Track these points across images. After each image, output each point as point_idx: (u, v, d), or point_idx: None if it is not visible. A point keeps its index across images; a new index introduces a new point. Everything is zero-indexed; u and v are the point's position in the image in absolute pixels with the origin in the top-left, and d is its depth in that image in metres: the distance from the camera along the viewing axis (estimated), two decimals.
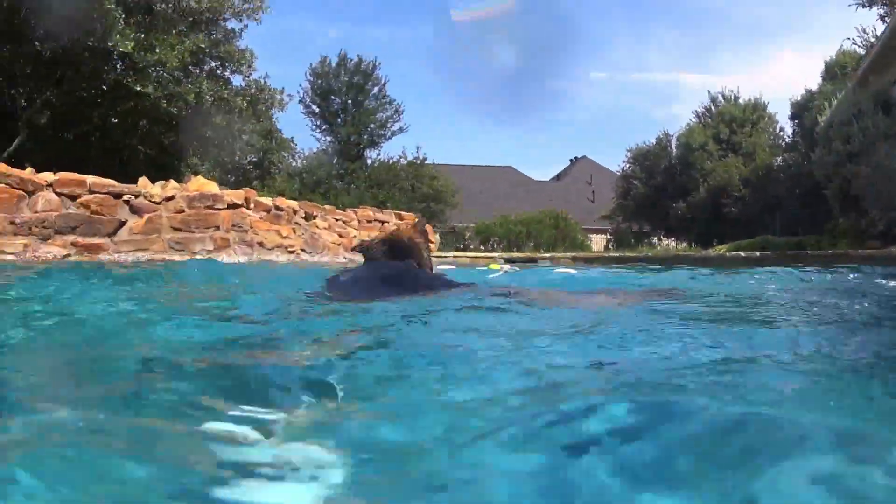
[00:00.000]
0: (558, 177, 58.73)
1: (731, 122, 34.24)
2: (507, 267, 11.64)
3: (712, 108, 35.91)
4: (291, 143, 23.03)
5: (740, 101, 35.37)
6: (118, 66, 16.16)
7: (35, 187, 9.34)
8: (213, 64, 18.76)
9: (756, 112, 34.56)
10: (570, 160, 60.29)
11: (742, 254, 17.57)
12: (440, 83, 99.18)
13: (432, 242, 15.94)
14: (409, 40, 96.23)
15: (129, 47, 14.76)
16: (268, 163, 21.79)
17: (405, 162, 36.79)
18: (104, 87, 16.65)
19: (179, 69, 16.65)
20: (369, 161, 37.26)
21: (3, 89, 19.02)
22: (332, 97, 36.42)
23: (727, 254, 19.18)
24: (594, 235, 41.22)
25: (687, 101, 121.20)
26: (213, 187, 10.79)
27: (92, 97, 17.24)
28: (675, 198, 34.15)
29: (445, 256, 16.26)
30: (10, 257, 8.81)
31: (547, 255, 20.79)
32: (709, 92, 37.04)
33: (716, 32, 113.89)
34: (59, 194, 9.43)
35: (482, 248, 33.00)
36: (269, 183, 24.36)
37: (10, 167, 9.65)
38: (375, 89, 37.02)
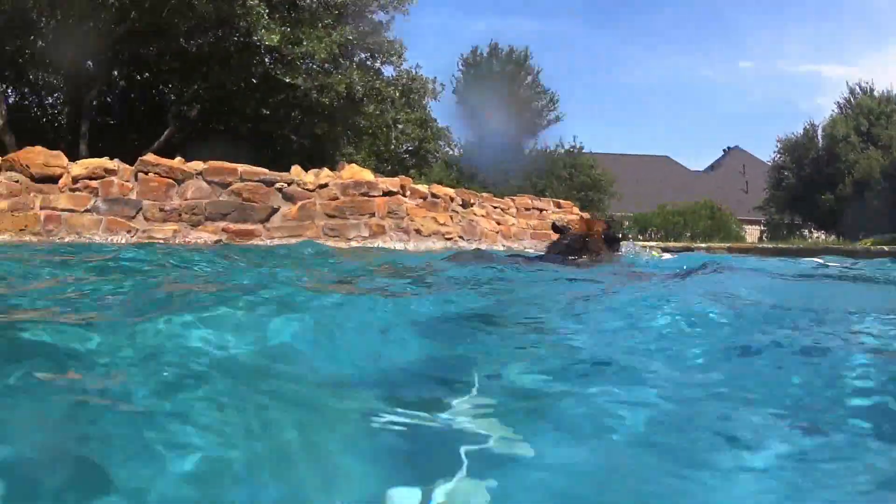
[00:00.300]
0: (712, 167, 57.17)
1: (869, 113, 33.26)
2: (666, 255, 11.34)
3: (851, 99, 34.81)
4: (447, 132, 22.94)
5: (875, 93, 34.08)
6: (266, 59, 16.45)
7: (184, 176, 9.57)
8: (362, 55, 18.83)
9: (889, 105, 33.06)
10: (724, 150, 58.61)
11: (886, 248, 16.91)
12: (591, 73, 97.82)
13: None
14: (559, 33, 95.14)
15: (276, 41, 14.94)
16: (423, 151, 21.75)
17: (562, 151, 36.29)
18: (253, 80, 16.96)
19: (328, 61, 16.75)
20: (526, 150, 36.76)
21: (152, 85, 19.93)
22: (486, 86, 36.13)
23: (872, 247, 18.59)
24: (748, 226, 40.21)
25: (829, 93, 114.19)
26: (367, 175, 10.80)
27: (241, 90, 17.60)
28: (823, 189, 33.15)
29: None
30: (160, 241, 8.99)
31: (703, 245, 20.35)
32: (847, 83, 35.30)
33: (854, 22, 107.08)
34: (209, 182, 9.62)
35: (640, 237, 32.12)
36: (426, 172, 24.36)
37: (158, 157, 9.91)
38: (529, 79, 36.58)
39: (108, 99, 20.38)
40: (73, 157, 10.19)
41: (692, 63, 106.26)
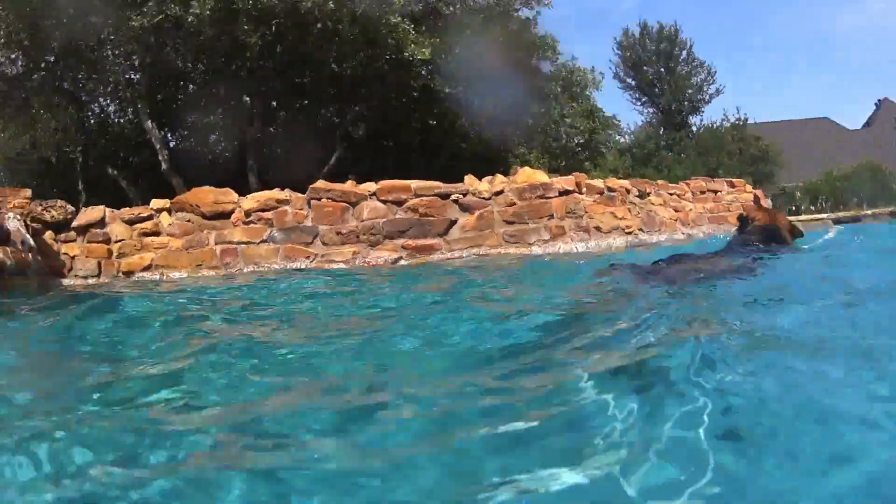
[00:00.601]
0: (868, 123, 53.18)
1: None
2: (833, 230, 10.74)
3: None
4: (615, 120, 22.32)
5: None
6: (423, 71, 16.18)
7: (358, 198, 9.44)
8: (517, 55, 18.16)
9: None
10: (875, 103, 54.28)
11: None
12: (739, 39, 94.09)
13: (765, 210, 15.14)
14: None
15: (427, 54, 14.72)
16: (595, 142, 21.18)
17: (728, 125, 35.08)
18: (414, 94, 16.77)
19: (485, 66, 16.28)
20: (694, 128, 36.00)
21: (313, 111, 20.02)
22: (645, 68, 35.46)
23: None
24: None
25: None
26: (541, 176, 10.30)
27: (404, 104, 17.45)
28: None
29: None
30: (339, 265, 9.04)
31: (869, 211, 19.15)
32: None
33: None
34: (383, 201, 9.44)
35: (812, 208, 30.60)
36: (601, 162, 23.86)
37: (328, 182, 9.86)
38: (683, 53, 35.62)
39: (272, 130, 20.69)
40: (244, 191, 10.29)
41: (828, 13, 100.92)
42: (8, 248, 7.19)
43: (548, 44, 18.29)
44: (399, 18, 14.15)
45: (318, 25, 14.24)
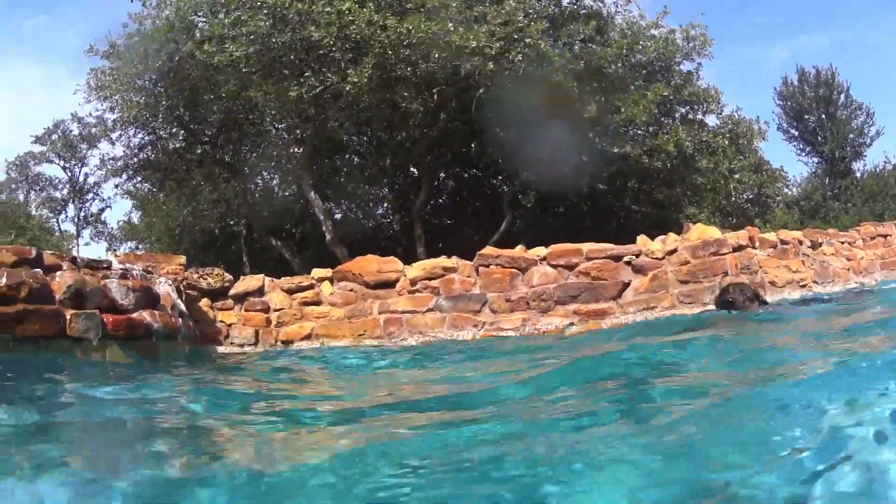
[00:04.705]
0: None
1: None
2: None
3: None
4: (782, 173, 21.51)
5: None
6: (590, 133, 15.92)
7: (528, 263, 9.23)
8: (682, 110, 18.06)
9: None
10: None
11: None
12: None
13: None
14: (854, 40, 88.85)
15: (593, 111, 14.46)
16: (764, 197, 20.47)
17: (891, 167, 33.74)
18: (583, 157, 16.45)
19: (651, 122, 16.18)
20: (858, 174, 34.93)
21: (480, 179, 20.04)
22: (806, 116, 34.60)
23: None
24: None
25: None
26: (714, 232, 9.85)
27: (571, 168, 17.27)
28: None
29: None
30: (508, 332, 8.84)
31: None
32: None
33: None
34: (554, 266, 9.18)
35: None
36: (770, 217, 23.12)
37: (497, 248, 9.71)
38: (842, 97, 34.45)
39: (441, 200, 20.90)
40: (411, 261, 10.23)
41: None
42: (156, 312, 7.19)
43: (711, 96, 17.84)
44: (562, 77, 13.92)
45: (480, 91, 14.20)
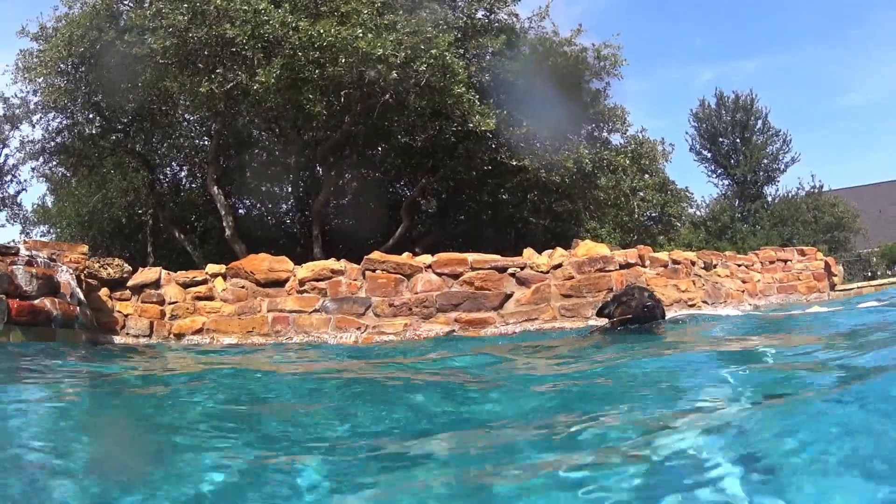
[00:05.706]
0: None
1: None
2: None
3: None
4: (687, 193, 21.96)
5: None
6: (492, 144, 16.11)
7: (413, 270, 9.33)
8: (587, 127, 18.26)
9: None
10: None
11: None
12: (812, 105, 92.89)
13: (836, 275, 14.95)
14: (781, 68, 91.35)
15: (492, 125, 14.51)
16: (668, 216, 20.89)
17: (803, 193, 34.85)
18: (486, 168, 16.73)
19: (555, 138, 16.24)
20: (769, 198, 35.97)
21: (381, 184, 20.12)
22: (720, 139, 35.48)
23: None
24: None
25: None
26: (602, 249, 10.06)
27: (473, 177, 17.41)
28: None
29: (850, 289, 15.35)
30: (390, 337, 8.94)
31: None
32: None
33: None
34: (439, 274, 9.31)
35: (889, 273, 30.14)
36: (674, 236, 23.60)
37: (384, 254, 9.85)
38: (759, 123, 35.39)
39: (342, 202, 20.88)
40: (309, 260, 10.35)
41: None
42: (56, 300, 7.30)
43: (617, 115, 18.17)
44: (463, 89, 14.04)
45: (386, 96, 14.28)
